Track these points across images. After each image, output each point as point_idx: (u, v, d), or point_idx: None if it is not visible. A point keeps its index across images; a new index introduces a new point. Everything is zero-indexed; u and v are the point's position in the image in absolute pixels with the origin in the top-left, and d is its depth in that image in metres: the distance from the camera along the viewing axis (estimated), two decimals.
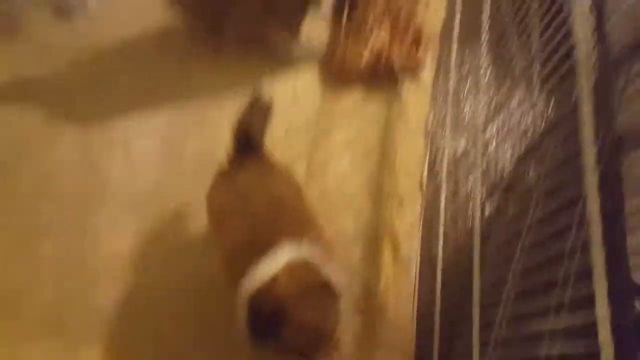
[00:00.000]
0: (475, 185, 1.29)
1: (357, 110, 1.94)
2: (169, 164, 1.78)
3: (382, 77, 1.96)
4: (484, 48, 1.57)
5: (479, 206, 1.35)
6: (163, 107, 1.91)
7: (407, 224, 1.66)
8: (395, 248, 1.62)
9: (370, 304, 1.54)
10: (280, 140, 1.81)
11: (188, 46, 2.03)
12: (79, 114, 1.88)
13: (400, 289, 1.55)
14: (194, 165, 1.75)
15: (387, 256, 1.61)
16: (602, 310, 0.63)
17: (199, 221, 1.50)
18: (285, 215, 1.22)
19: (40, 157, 1.78)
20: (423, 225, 1.67)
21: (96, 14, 2.11)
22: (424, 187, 1.75)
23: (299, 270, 1.09)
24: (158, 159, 1.79)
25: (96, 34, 2.04)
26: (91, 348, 1.44)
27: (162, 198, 1.69)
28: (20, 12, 2.04)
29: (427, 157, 1.82)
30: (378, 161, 1.82)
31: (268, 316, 1.04)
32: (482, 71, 1.49)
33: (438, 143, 1.83)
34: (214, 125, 1.78)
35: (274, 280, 1.07)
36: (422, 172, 1.78)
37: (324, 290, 1.08)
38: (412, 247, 1.63)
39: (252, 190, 1.25)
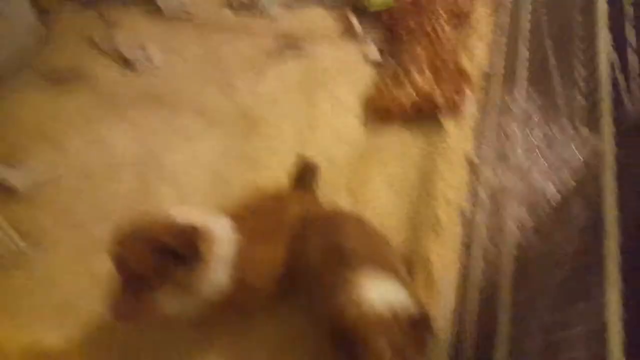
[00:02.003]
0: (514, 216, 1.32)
1: (399, 148, 2.02)
2: None
3: (426, 116, 2.05)
4: (526, 85, 1.63)
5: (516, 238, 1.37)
6: None
7: (447, 250, 1.69)
8: (430, 272, 1.66)
9: None
10: (325, 178, 1.89)
11: None
12: None
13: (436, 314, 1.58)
14: None
15: (420, 279, 1.66)
16: None
17: None
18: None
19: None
20: (462, 252, 1.70)
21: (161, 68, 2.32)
22: (465, 216, 1.79)
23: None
24: None
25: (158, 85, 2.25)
26: None
27: None
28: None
29: (469, 189, 1.86)
30: (419, 195, 1.88)
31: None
32: (524, 105, 1.54)
33: (481, 175, 1.88)
34: None
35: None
36: (463, 201, 1.82)
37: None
38: (449, 274, 1.66)
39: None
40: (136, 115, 2.13)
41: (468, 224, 1.78)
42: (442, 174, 1.88)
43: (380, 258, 1.35)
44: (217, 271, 1.34)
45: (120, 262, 1.23)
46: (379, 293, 1.14)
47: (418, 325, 1.07)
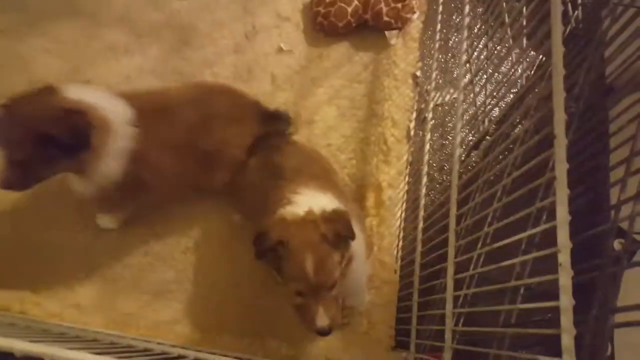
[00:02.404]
0: (459, 133, 1.33)
1: (343, 63, 1.93)
2: None
3: (371, 30, 1.95)
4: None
5: (461, 152, 1.39)
6: None
7: (394, 171, 1.71)
8: (379, 193, 1.68)
9: None
10: (267, 93, 1.83)
11: None
12: None
13: (384, 231, 1.62)
14: None
15: (370, 201, 1.67)
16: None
17: None
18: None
19: None
20: (409, 173, 1.73)
21: None
22: (411, 136, 1.79)
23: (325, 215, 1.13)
24: None
25: None
26: None
27: None
28: None
29: (415, 108, 1.86)
30: (365, 113, 1.84)
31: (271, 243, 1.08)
32: (469, 21, 1.51)
33: (426, 94, 1.86)
34: None
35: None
36: (410, 122, 1.82)
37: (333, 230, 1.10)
38: (397, 193, 1.69)
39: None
40: (54, 28, 1.87)
41: (414, 143, 1.80)
42: (389, 92, 1.84)
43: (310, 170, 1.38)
44: (108, 163, 1.29)
45: (3, 141, 1.17)
46: (300, 199, 1.17)
47: (334, 221, 1.11)
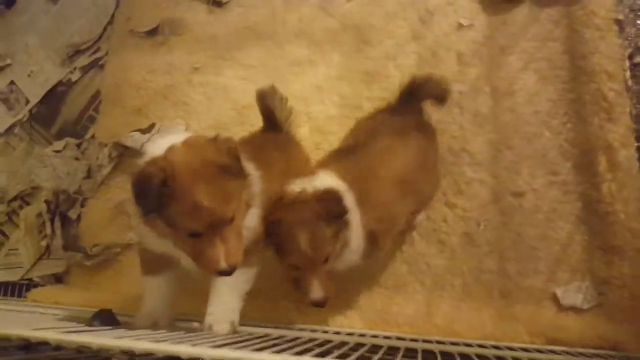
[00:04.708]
0: None
1: (530, 25, 1.79)
2: None
3: None
4: None
5: None
6: None
7: (622, 128, 1.55)
8: (611, 155, 1.54)
9: (596, 212, 1.52)
10: (455, 72, 1.78)
11: None
12: None
13: (628, 195, 1.49)
14: None
15: (602, 165, 1.54)
16: None
17: None
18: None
19: None
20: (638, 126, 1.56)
21: None
22: (630, 86, 1.62)
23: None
24: None
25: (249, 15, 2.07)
26: None
27: None
28: None
29: (627, 54, 1.67)
30: (570, 71, 1.69)
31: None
32: None
33: (636, 35, 1.66)
34: None
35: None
36: (624, 70, 1.64)
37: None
38: (630, 152, 1.54)
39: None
40: (242, 55, 2.02)
41: (635, 93, 1.62)
42: (594, 44, 1.67)
43: None
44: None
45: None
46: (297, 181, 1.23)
47: (326, 199, 1.16)
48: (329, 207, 1.16)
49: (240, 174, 1.08)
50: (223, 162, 1.02)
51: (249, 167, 1.15)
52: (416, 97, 1.48)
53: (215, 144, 1.05)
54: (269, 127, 1.58)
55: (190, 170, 0.98)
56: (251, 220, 1.17)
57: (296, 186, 1.21)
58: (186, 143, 1.04)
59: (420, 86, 1.46)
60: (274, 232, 1.18)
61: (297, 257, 1.17)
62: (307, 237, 1.14)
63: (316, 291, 1.20)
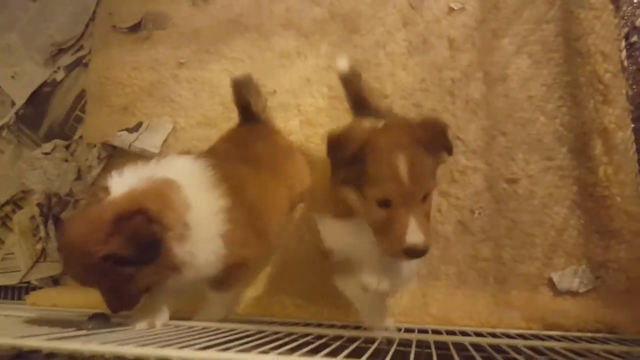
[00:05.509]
0: None
1: (524, 7, 1.74)
2: None
3: None
4: None
5: None
6: None
7: (618, 110, 1.52)
8: (607, 138, 1.51)
9: (592, 196, 1.51)
10: (447, 58, 1.74)
11: None
12: None
13: (624, 178, 1.47)
14: None
15: (598, 148, 1.52)
16: None
17: None
18: None
19: None
20: (634, 108, 1.54)
21: None
22: (626, 67, 1.58)
23: None
24: None
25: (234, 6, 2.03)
26: None
27: None
28: None
29: (623, 34, 1.63)
30: (564, 54, 1.65)
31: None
32: None
33: (632, 13, 1.62)
34: None
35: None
36: (620, 51, 1.60)
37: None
38: (626, 134, 1.51)
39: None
40: (228, 49, 1.97)
41: (630, 74, 1.59)
42: (589, 25, 1.63)
43: None
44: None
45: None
46: None
47: (430, 128, 1.00)
48: (435, 135, 0.99)
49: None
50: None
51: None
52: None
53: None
54: (245, 118, 1.56)
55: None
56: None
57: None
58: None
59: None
60: (362, 159, 0.95)
61: (393, 188, 0.92)
62: (407, 164, 0.92)
63: (414, 233, 0.90)
